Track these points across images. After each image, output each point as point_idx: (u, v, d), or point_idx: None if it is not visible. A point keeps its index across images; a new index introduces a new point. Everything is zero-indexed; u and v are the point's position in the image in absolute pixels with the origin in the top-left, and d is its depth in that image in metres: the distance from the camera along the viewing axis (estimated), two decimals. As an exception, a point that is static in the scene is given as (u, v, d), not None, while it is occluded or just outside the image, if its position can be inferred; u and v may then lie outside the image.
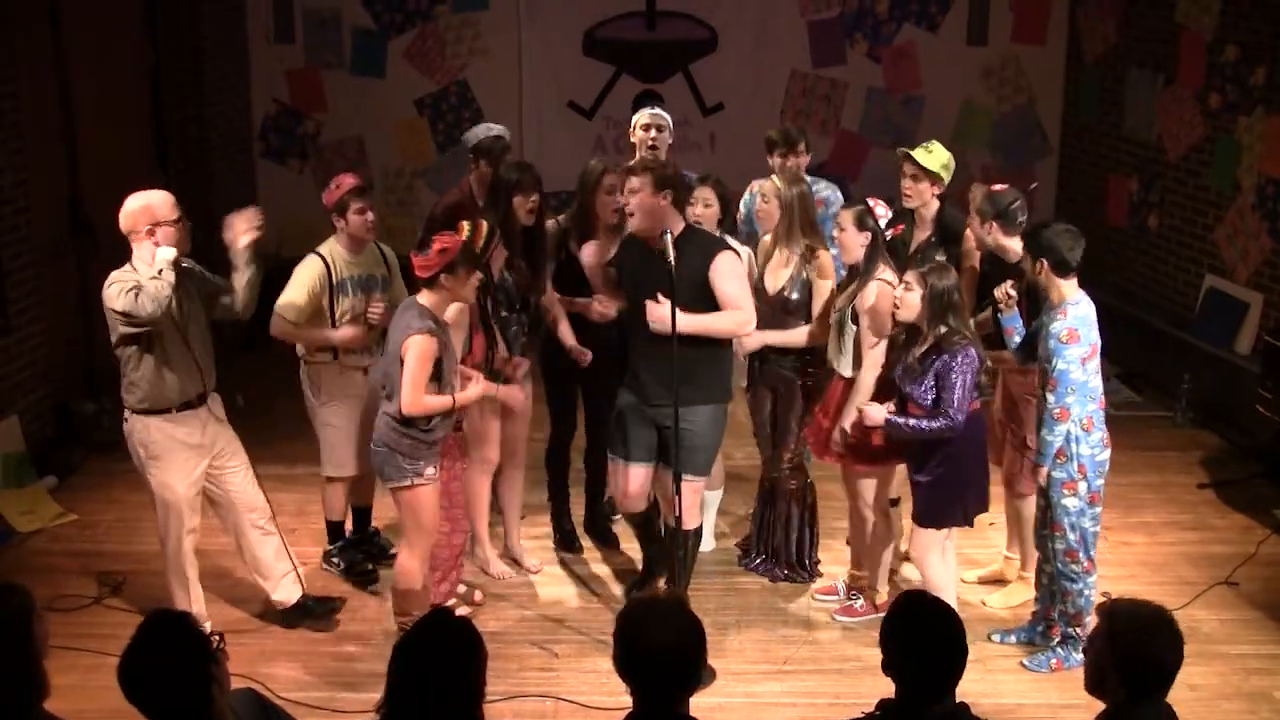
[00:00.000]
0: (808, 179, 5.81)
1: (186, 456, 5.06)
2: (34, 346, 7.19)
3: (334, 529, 5.98)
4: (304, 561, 5.99)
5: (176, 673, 2.87)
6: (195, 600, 5.26)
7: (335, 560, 5.97)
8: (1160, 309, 8.68)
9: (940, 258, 5.60)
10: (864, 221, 5.20)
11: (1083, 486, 4.99)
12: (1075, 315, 4.88)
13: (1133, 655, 3.14)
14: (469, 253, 4.83)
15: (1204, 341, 8.06)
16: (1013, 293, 5.09)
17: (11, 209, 6.98)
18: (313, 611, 5.46)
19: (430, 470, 4.94)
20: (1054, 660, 5.18)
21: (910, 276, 4.91)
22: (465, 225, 5.00)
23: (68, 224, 7.80)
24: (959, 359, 4.83)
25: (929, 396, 4.88)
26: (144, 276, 4.79)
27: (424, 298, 4.87)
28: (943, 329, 4.85)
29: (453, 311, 5.03)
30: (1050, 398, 4.89)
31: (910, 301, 4.89)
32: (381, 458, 4.94)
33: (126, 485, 6.91)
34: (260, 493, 5.32)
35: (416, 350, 4.74)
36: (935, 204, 5.69)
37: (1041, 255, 4.90)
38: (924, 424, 4.89)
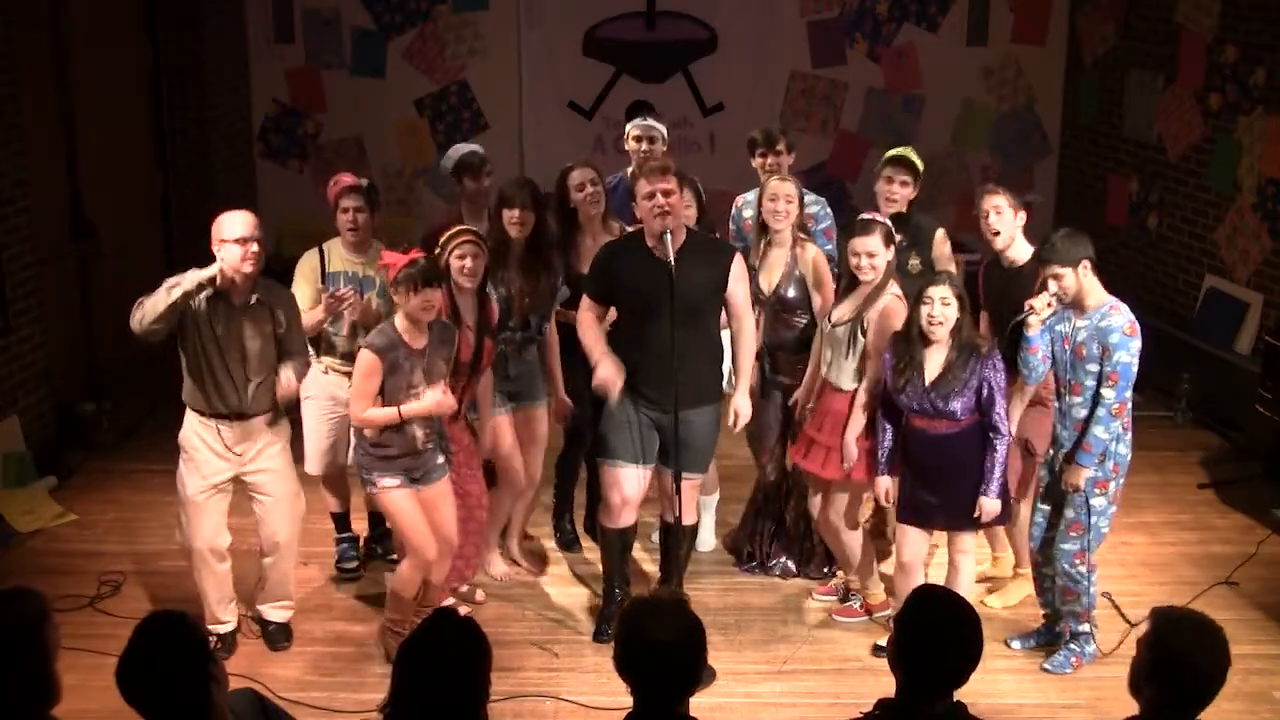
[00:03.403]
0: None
1: (207, 459, 5.07)
2: (34, 346, 7.19)
3: (334, 520, 6.03)
4: (305, 560, 6.00)
5: (174, 674, 2.86)
6: (212, 601, 5.26)
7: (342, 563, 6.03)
8: (1160, 309, 8.68)
9: (915, 262, 5.63)
10: (890, 239, 5.21)
11: (1113, 485, 4.99)
12: (1127, 310, 4.88)
13: (1170, 662, 3.08)
14: (409, 275, 4.80)
15: (1204, 341, 8.06)
16: (1054, 303, 4.92)
17: (12, 209, 6.98)
18: (271, 637, 5.40)
19: (387, 480, 4.96)
20: (1074, 659, 5.19)
21: (945, 291, 4.83)
22: (420, 250, 5.02)
23: (69, 224, 7.81)
24: (993, 364, 4.87)
25: (971, 405, 4.87)
26: (166, 284, 4.84)
27: (397, 315, 4.93)
28: (964, 333, 4.87)
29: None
30: (1109, 394, 4.83)
31: (951, 316, 4.84)
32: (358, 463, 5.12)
33: (126, 485, 6.95)
34: (281, 530, 5.24)
35: (358, 364, 4.93)
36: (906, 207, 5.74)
37: (1082, 258, 4.84)
38: (999, 463, 4.91)
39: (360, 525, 6.13)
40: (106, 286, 7.90)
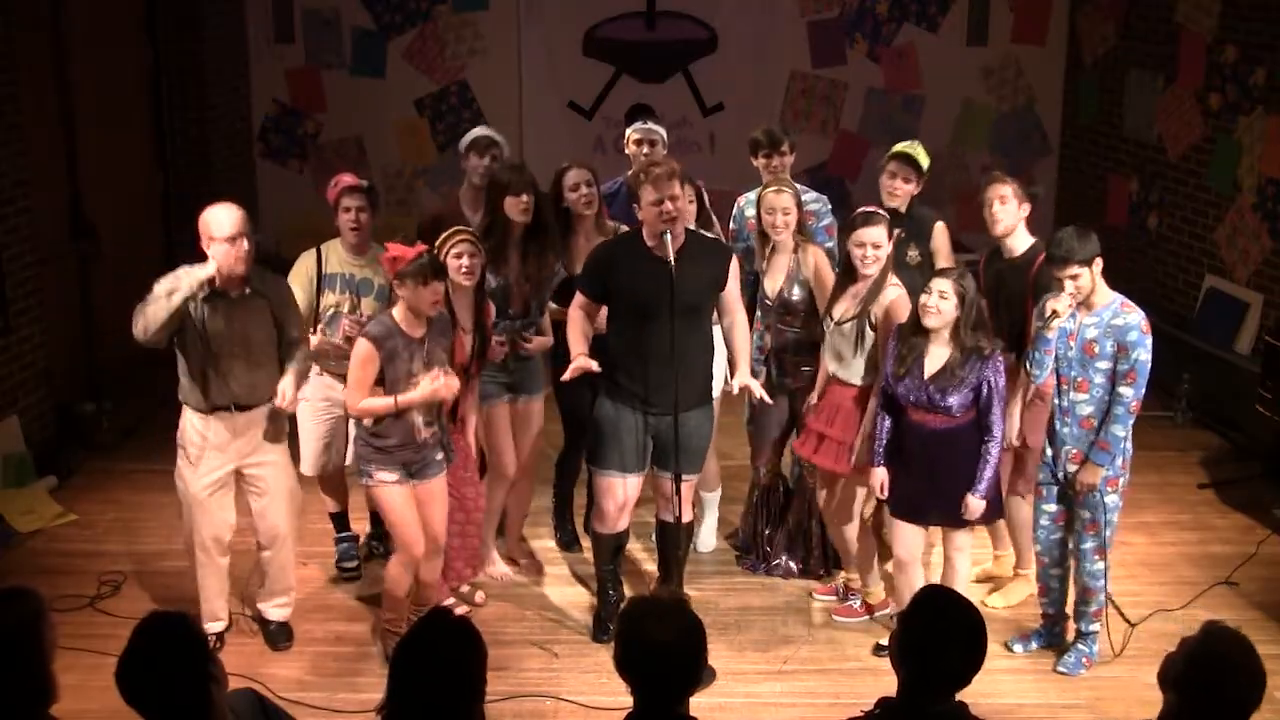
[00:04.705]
0: (797, 187, 5.80)
1: (206, 456, 5.08)
2: (34, 346, 7.19)
3: (333, 520, 6.04)
4: (304, 560, 6.00)
5: (174, 674, 2.86)
6: (212, 596, 5.27)
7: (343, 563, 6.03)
8: (1160, 309, 8.67)
9: (913, 254, 5.63)
10: (891, 231, 5.21)
11: (1122, 481, 5.02)
12: (1137, 308, 4.89)
13: (1198, 685, 3.03)
14: (420, 267, 4.80)
15: (1204, 341, 8.06)
16: (1072, 303, 4.90)
17: (12, 209, 6.98)
18: (272, 636, 5.41)
19: (384, 475, 4.96)
20: (1085, 659, 5.20)
21: (945, 285, 4.84)
22: (423, 244, 5.01)
23: (69, 224, 7.81)
24: (995, 365, 4.88)
25: (968, 402, 4.88)
26: (162, 289, 4.84)
27: (396, 306, 4.93)
28: (965, 334, 4.87)
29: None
30: (1128, 392, 4.84)
31: (946, 310, 4.84)
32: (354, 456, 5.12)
33: (126, 485, 6.95)
34: (280, 523, 5.25)
35: (355, 353, 4.92)
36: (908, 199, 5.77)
37: (1095, 255, 4.83)
38: (991, 464, 4.94)
39: (360, 525, 6.14)
40: (106, 286, 7.90)
